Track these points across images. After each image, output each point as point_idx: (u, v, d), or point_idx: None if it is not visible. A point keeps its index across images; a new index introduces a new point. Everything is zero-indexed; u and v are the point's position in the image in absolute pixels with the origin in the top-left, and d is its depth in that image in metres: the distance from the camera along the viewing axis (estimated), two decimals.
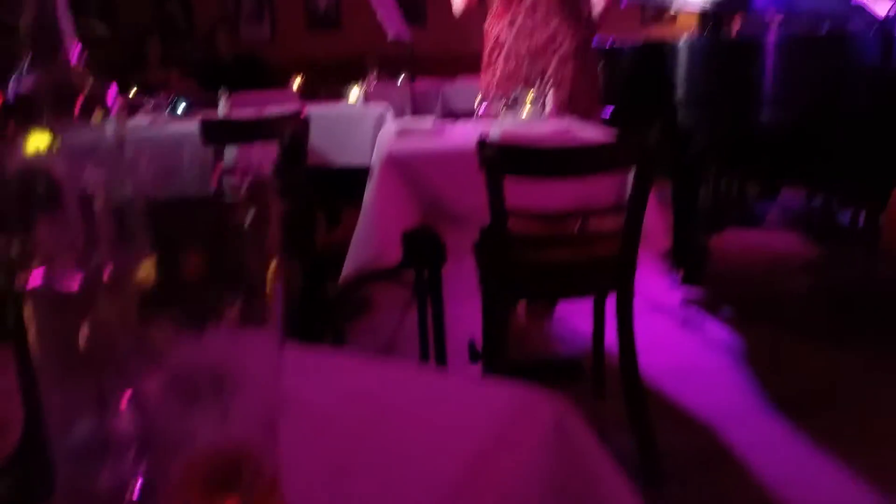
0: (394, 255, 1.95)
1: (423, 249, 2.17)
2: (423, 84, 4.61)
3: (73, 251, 0.38)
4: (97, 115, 0.49)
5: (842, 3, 3.17)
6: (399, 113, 4.15)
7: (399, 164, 1.95)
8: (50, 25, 0.47)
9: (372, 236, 1.95)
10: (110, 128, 0.50)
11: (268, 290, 0.35)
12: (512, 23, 2.41)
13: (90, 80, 0.49)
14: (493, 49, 2.49)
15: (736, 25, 3.99)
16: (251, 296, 0.35)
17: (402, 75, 4.41)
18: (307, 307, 2.73)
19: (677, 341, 2.61)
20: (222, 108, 3.03)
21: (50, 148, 0.45)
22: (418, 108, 4.32)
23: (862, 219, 3.55)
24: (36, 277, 0.36)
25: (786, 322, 2.73)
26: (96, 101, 0.49)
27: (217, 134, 2.48)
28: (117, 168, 0.47)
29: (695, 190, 3.00)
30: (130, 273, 0.33)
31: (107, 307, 0.34)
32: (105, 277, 0.35)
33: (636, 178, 1.79)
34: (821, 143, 3.45)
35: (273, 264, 0.35)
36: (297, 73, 4.47)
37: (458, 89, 4.61)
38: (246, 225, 0.34)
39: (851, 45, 2.86)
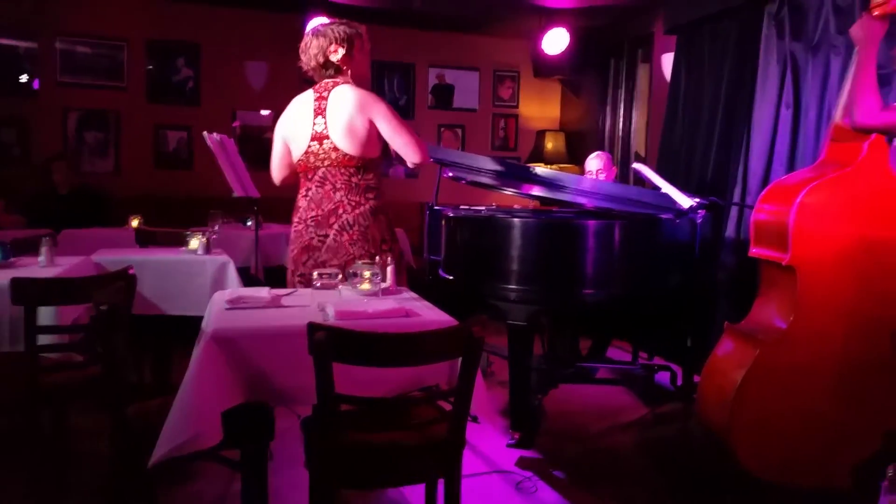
0: (213, 436, 1.83)
1: (249, 426, 2.07)
2: (273, 229, 4.59)
3: None
4: None
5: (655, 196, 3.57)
6: (245, 260, 4.09)
7: (224, 343, 1.87)
8: None
9: (189, 417, 1.82)
10: None
11: None
12: (307, 192, 2.64)
13: None
14: (293, 214, 2.71)
15: None
16: None
17: (250, 222, 4.37)
18: (118, 476, 2.48)
19: None
20: (43, 258, 2.80)
21: None
22: (267, 255, 4.27)
23: (679, 378, 3.79)
24: None
25: (614, 483, 2.81)
26: None
27: (27, 296, 2.27)
28: None
29: (529, 352, 3.12)
30: None
31: None
32: None
33: (462, 365, 1.83)
34: (639, 309, 3.76)
35: None
36: (139, 211, 4.32)
37: None
38: None
39: (664, 229, 3.20)
